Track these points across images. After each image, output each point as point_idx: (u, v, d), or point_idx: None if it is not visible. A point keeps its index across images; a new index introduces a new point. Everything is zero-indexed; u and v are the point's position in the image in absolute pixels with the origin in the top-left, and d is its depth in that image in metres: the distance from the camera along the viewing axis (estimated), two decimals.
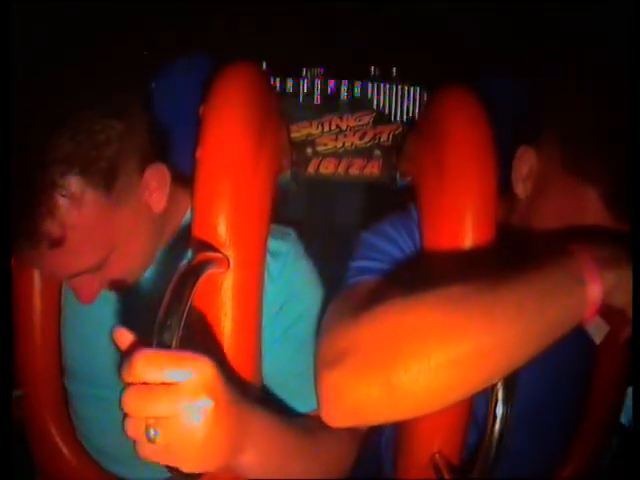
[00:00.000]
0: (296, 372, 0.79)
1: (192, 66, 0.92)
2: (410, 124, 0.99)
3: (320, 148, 1.04)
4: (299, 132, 1.03)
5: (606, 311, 0.54)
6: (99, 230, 0.72)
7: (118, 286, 0.81)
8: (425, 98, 1.13)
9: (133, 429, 0.50)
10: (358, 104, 1.08)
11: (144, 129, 0.77)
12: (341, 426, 0.65)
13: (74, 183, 0.68)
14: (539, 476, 0.89)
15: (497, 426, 0.67)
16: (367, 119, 1.04)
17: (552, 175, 0.73)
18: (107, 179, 0.70)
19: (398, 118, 1.06)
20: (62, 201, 0.67)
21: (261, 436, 0.61)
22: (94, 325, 0.87)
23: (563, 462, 0.90)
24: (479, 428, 0.70)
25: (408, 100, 1.11)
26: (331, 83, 1.12)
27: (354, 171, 1.06)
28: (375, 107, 1.07)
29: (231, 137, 0.72)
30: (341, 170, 1.05)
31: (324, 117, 1.05)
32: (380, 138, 1.04)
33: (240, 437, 0.56)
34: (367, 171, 1.06)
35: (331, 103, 1.08)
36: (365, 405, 0.58)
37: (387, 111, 1.07)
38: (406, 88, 1.13)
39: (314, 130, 1.04)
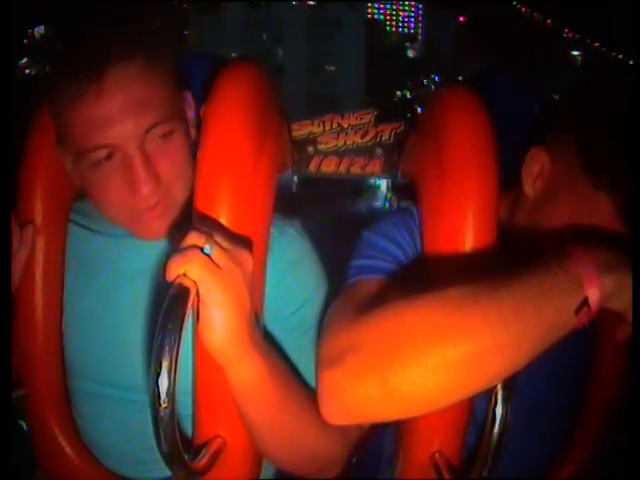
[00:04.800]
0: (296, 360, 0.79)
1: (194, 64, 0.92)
2: (412, 123, 0.99)
3: (321, 146, 1.04)
4: (300, 130, 1.03)
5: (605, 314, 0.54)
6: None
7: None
8: None
9: (195, 239, 0.59)
10: None
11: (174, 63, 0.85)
12: (339, 424, 0.65)
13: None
14: (539, 475, 0.89)
15: (496, 426, 0.67)
16: (368, 118, 1.04)
17: (565, 178, 0.73)
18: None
19: None
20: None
21: (259, 351, 0.65)
22: (98, 321, 0.88)
23: (562, 461, 0.90)
24: (479, 428, 0.70)
25: None
26: None
27: (355, 169, 1.06)
28: None
29: (232, 137, 0.71)
30: (342, 168, 1.05)
31: (325, 116, 1.05)
32: (382, 137, 1.04)
33: (245, 321, 0.61)
34: (368, 169, 1.06)
35: None
36: (363, 404, 0.58)
37: None
38: None
39: (315, 128, 1.04)
